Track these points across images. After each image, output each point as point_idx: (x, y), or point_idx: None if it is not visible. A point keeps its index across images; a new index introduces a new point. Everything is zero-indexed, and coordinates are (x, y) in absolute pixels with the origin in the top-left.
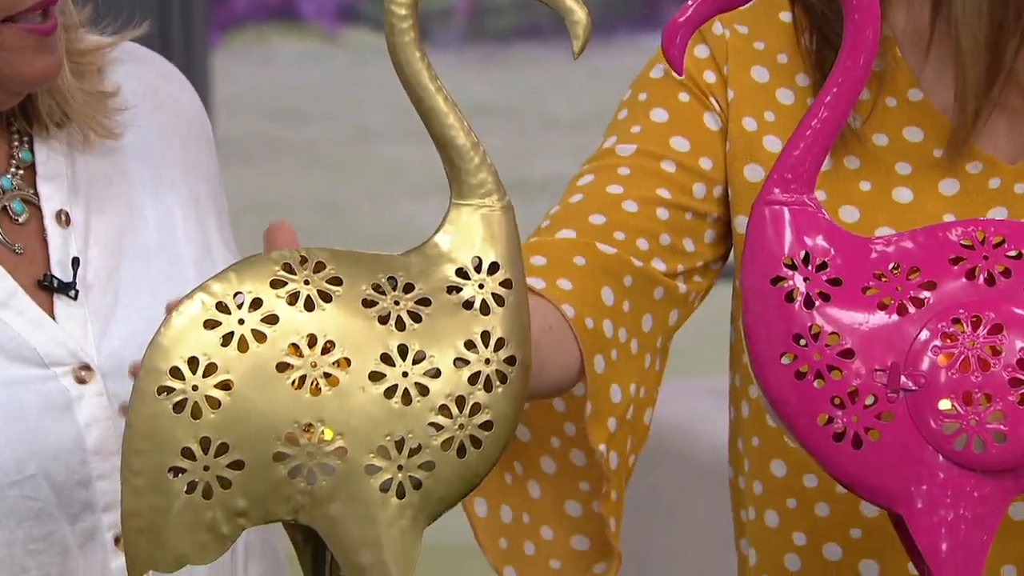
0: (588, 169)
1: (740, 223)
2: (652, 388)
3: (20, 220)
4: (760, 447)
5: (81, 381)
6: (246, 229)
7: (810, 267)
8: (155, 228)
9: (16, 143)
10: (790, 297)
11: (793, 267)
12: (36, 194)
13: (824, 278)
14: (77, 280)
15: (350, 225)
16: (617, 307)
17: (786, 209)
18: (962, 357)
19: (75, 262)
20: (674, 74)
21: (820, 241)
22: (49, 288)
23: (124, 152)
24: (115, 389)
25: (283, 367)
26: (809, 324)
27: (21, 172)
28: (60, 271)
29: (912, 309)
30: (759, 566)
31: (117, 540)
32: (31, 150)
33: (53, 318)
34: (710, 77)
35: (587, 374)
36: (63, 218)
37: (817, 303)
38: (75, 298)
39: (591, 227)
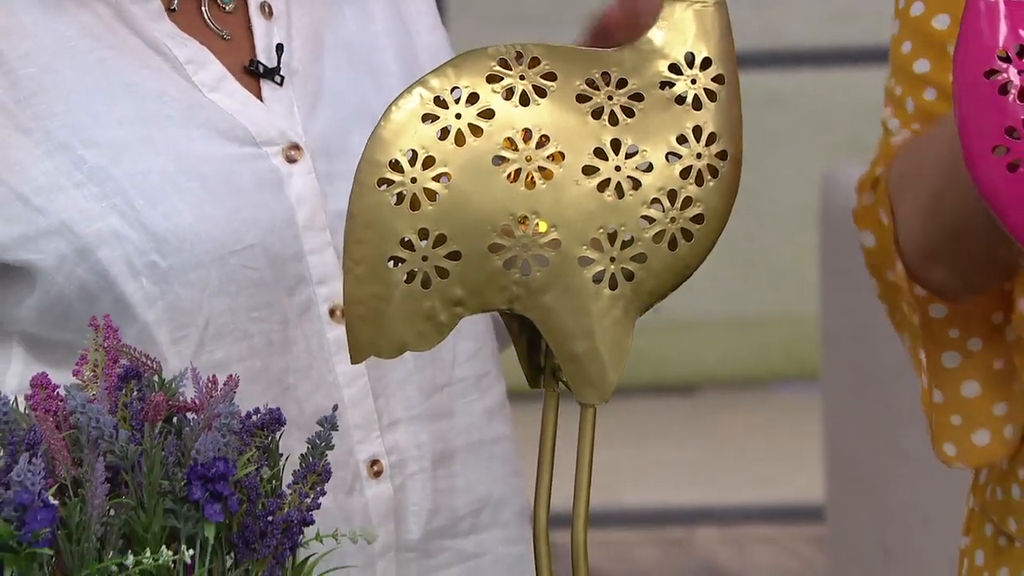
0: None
1: None
2: None
3: (228, 8)
4: None
5: (291, 160)
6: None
7: None
8: (354, 22)
9: None
10: (1004, 90)
11: (1007, 60)
12: None
13: None
14: (282, 66)
15: None
16: None
17: (1001, 2)
18: None
19: (279, 48)
20: None
21: None
22: (255, 74)
23: None
24: (323, 169)
25: (499, 161)
26: (1023, 117)
27: None
28: (265, 58)
29: None
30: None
31: (332, 312)
32: None
33: (261, 101)
34: None
35: None
36: (267, 9)
37: None
38: (280, 84)
39: None
